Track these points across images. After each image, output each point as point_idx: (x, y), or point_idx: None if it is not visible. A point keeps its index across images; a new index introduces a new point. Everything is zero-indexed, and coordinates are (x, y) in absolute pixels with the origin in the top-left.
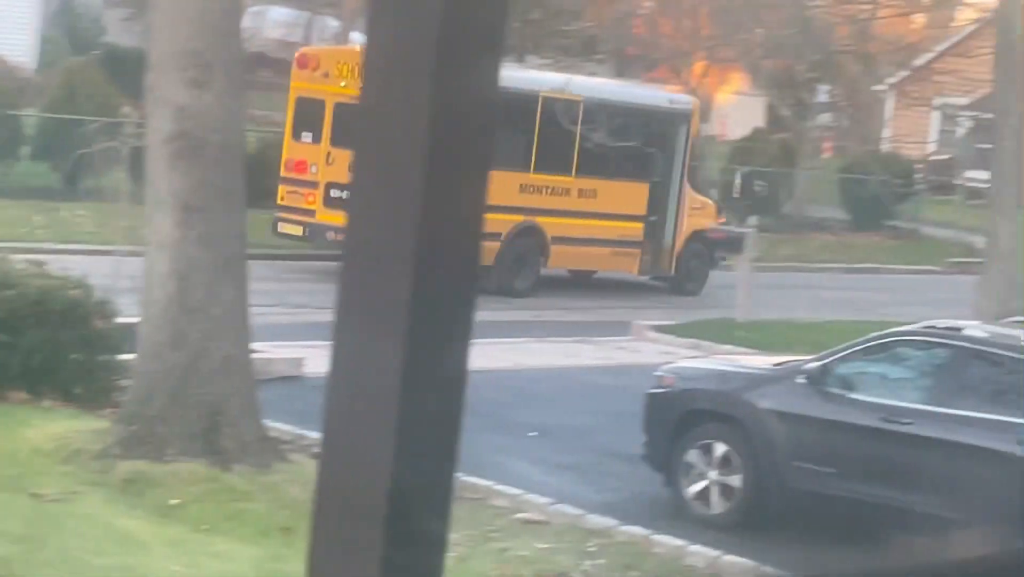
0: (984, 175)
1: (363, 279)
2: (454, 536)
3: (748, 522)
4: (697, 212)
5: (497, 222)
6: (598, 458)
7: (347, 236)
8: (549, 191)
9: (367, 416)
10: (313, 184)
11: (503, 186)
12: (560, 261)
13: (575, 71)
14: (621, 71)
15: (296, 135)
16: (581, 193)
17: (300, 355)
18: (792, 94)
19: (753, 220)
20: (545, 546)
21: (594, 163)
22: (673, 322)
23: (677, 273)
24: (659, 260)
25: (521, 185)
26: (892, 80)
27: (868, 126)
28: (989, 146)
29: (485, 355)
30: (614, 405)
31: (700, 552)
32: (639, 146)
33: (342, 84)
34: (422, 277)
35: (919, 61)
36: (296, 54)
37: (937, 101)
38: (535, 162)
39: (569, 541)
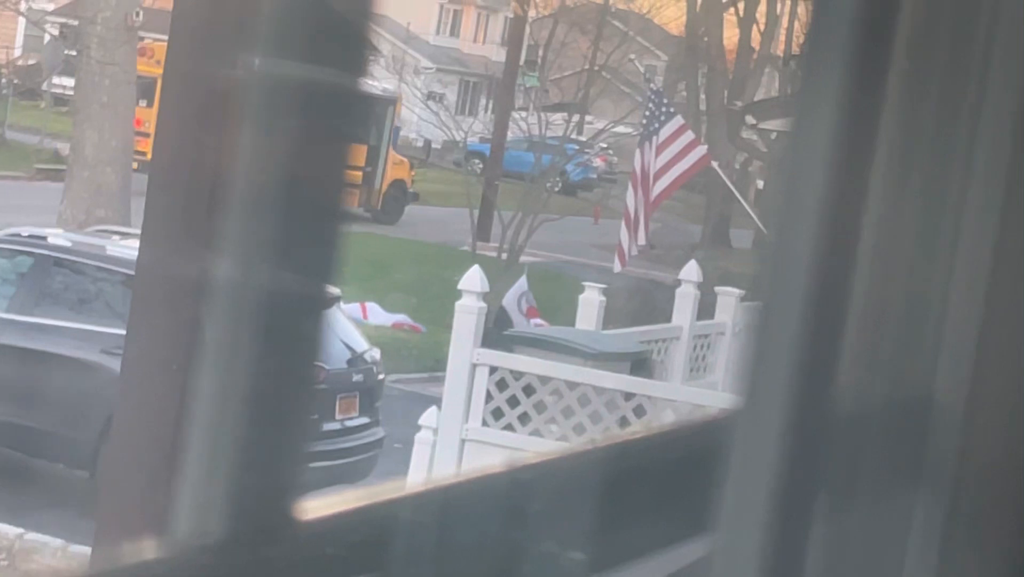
0: (70, 82)
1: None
2: None
3: None
4: (397, 166)
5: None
6: None
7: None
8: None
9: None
10: (147, 135)
11: None
12: None
13: None
14: None
15: (139, 102)
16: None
17: None
18: None
19: None
20: None
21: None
22: None
23: (381, 208)
24: (370, 198)
25: None
26: None
27: None
28: (75, 53)
29: None
30: None
31: None
32: (359, 119)
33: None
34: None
35: None
36: (138, 46)
37: (24, 6)
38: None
39: None
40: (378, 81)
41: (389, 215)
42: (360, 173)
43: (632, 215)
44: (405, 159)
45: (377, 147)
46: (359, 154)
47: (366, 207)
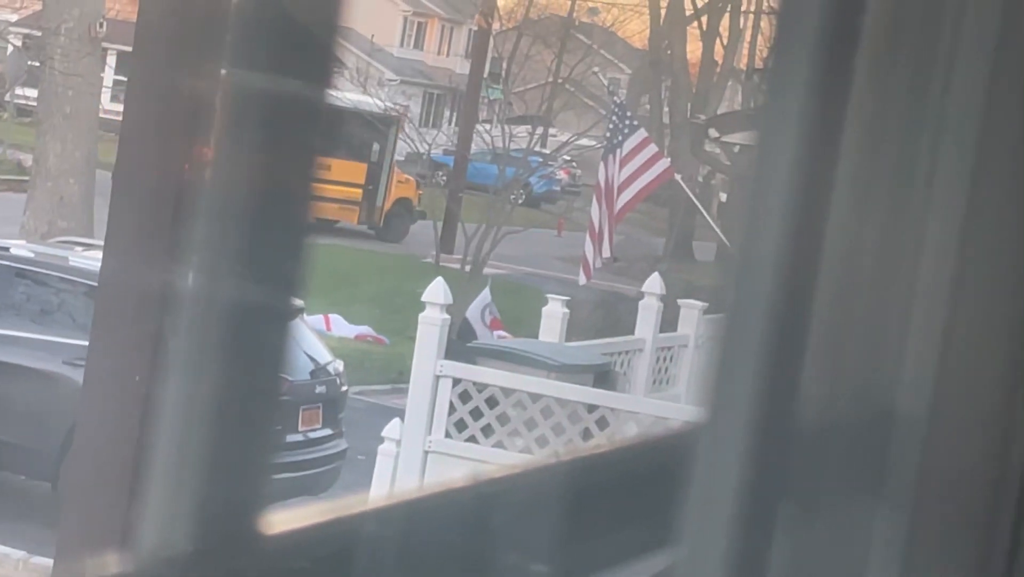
0: (34, 93)
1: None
2: None
3: None
4: (402, 185)
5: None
6: None
7: None
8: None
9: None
10: None
11: None
12: None
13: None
14: None
15: None
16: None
17: None
18: None
19: None
20: None
21: (331, 147)
22: None
23: (384, 225)
24: (371, 215)
25: None
26: None
27: None
28: (38, 64)
29: None
30: None
31: None
32: (362, 137)
33: None
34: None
35: None
36: None
37: None
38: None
39: None
40: (381, 100)
41: (394, 232)
42: (360, 190)
43: (596, 228)
44: (411, 178)
45: (379, 165)
46: (358, 172)
47: (368, 224)
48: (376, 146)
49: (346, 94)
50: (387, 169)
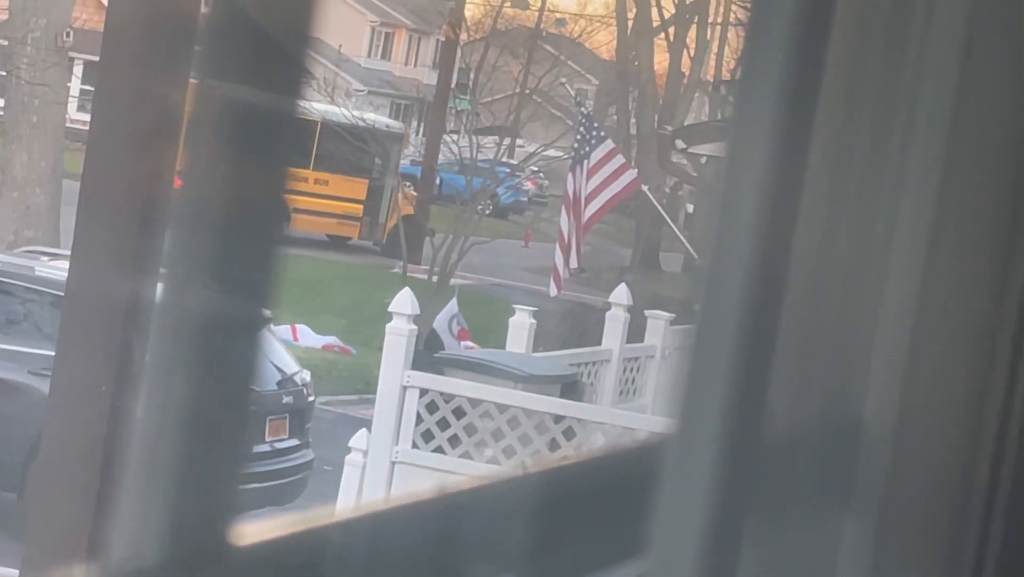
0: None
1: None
2: None
3: None
4: (407, 202)
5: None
6: None
7: None
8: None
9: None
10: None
11: None
12: (300, 225)
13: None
14: None
15: None
16: (316, 181)
17: None
18: None
19: None
20: None
21: (328, 162)
22: None
23: (387, 242)
24: (374, 231)
25: None
26: None
27: None
28: (4, 73)
29: None
30: None
31: None
32: (364, 153)
33: None
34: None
35: None
36: None
37: None
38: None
39: None
40: (387, 118)
41: (400, 249)
42: (360, 206)
43: (566, 238)
44: (414, 192)
45: (381, 181)
46: (359, 188)
47: (372, 240)
48: (378, 162)
49: (348, 110)
50: (390, 185)
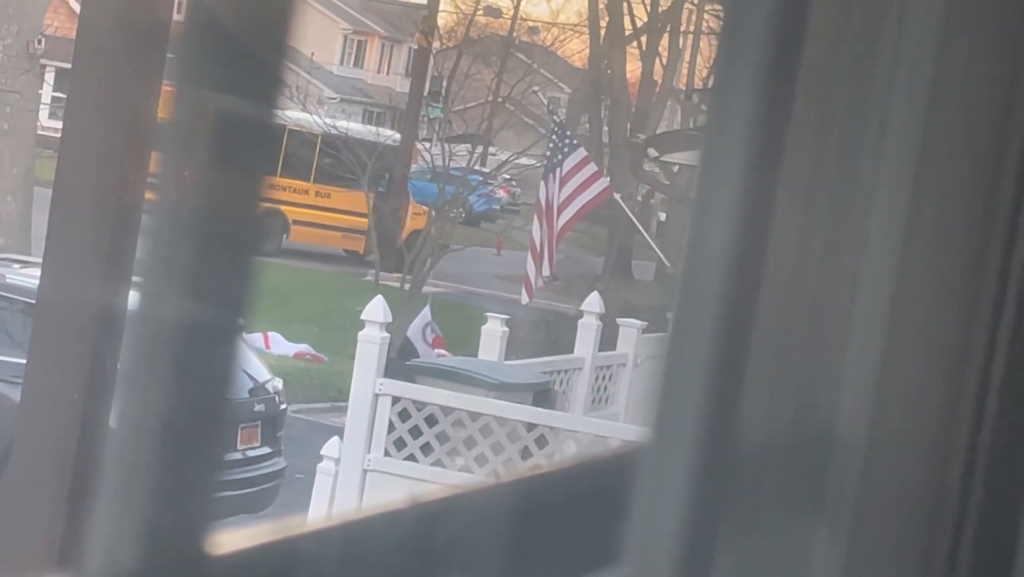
0: None
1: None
2: None
3: None
4: (418, 217)
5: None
6: None
7: None
8: (291, 190)
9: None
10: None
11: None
12: (301, 237)
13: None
14: None
15: None
16: (318, 194)
17: None
18: None
19: None
20: None
21: (330, 176)
22: None
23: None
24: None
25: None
26: None
27: None
28: None
29: None
30: None
31: None
32: (367, 167)
33: None
34: None
35: None
36: None
37: None
38: (280, 169)
39: None
40: (391, 132)
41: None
42: (366, 220)
43: (538, 246)
44: (428, 209)
45: (387, 195)
46: (361, 201)
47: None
48: (386, 176)
49: (353, 124)
50: (398, 199)
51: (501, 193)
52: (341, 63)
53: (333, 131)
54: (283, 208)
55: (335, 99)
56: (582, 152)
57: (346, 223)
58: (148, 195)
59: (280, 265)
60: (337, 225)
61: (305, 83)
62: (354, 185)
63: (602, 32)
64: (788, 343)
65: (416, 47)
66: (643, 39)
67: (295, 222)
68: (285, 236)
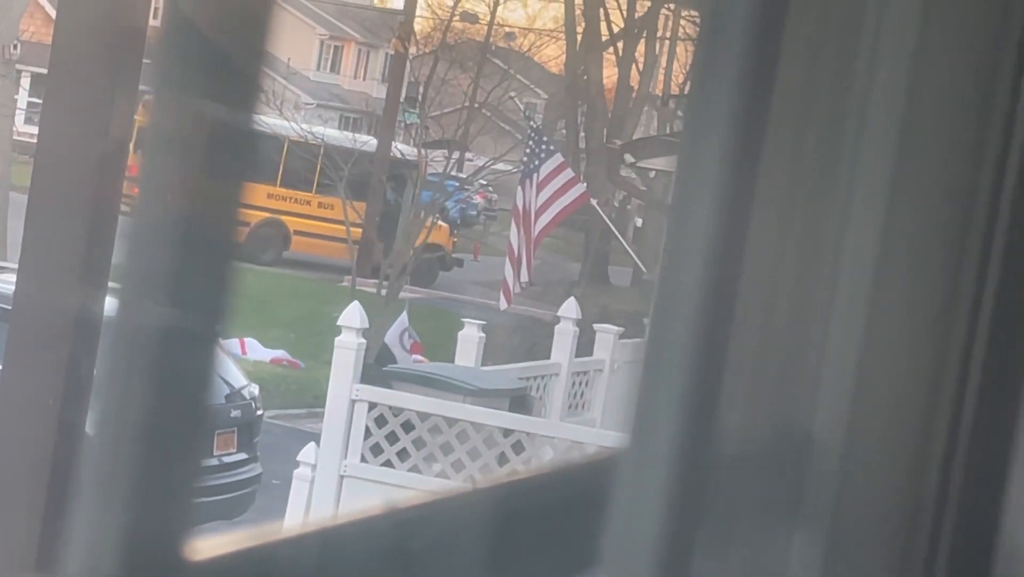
0: None
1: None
2: None
3: None
4: (434, 231)
5: (246, 215)
6: None
7: None
8: (293, 200)
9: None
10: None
11: (253, 192)
12: (303, 248)
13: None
14: None
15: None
16: (320, 205)
17: None
18: None
19: None
20: None
21: (334, 187)
22: None
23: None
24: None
25: (268, 193)
26: None
27: None
28: None
29: None
30: None
31: None
32: (376, 178)
33: None
34: None
35: None
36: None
37: None
38: (281, 179)
39: None
40: (403, 147)
41: (424, 278)
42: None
43: (516, 252)
44: (444, 224)
45: (395, 208)
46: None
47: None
48: (392, 190)
49: (360, 135)
50: (406, 214)
51: (478, 199)
52: (318, 68)
53: (336, 143)
54: (283, 218)
55: (312, 105)
56: (559, 158)
57: (352, 235)
58: (125, 201)
59: (257, 271)
60: (342, 237)
61: (282, 89)
62: (363, 196)
63: (579, 38)
64: (765, 349)
65: (392, 52)
66: (620, 45)
67: (296, 232)
68: (285, 244)
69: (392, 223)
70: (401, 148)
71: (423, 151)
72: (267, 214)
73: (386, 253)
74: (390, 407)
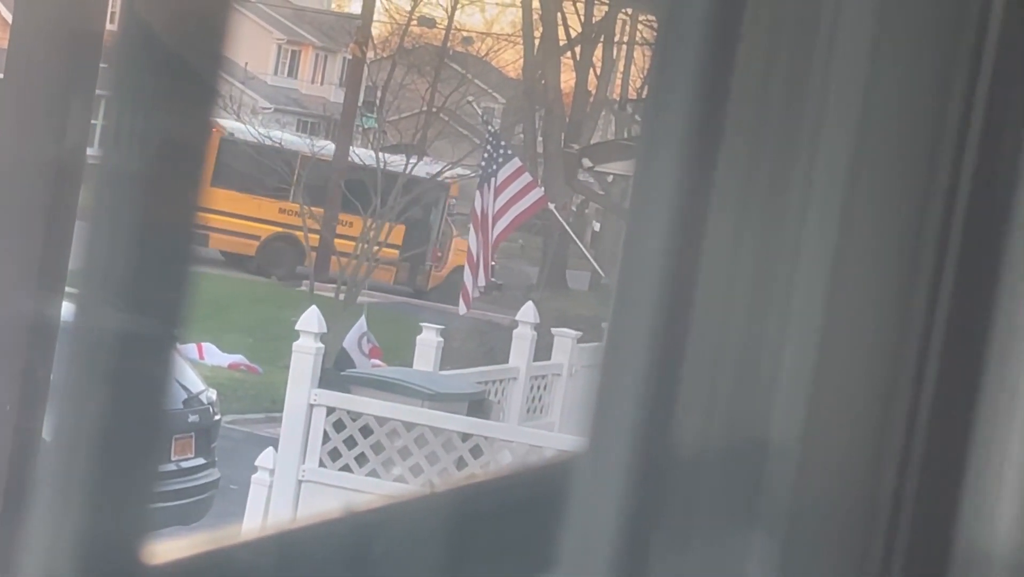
0: None
1: None
2: None
3: None
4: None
5: (258, 229)
6: None
7: None
8: (309, 215)
9: None
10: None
11: (261, 206)
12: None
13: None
14: None
15: None
16: (341, 222)
17: None
18: None
19: None
20: None
21: (350, 205)
22: None
23: (430, 290)
24: (415, 277)
25: (280, 208)
26: None
27: None
28: None
29: None
30: None
31: None
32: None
33: None
34: None
35: None
36: None
37: None
38: (293, 195)
39: None
40: (430, 163)
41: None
42: (395, 251)
43: (474, 256)
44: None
45: (425, 228)
46: (395, 233)
47: (412, 287)
48: (422, 210)
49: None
50: (436, 233)
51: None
52: (275, 73)
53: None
54: (298, 233)
55: (269, 109)
56: (517, 162)
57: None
58: (82, 205)
59: (214, 275)
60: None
61: (239, 93)
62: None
63: (536, 42)
64: (722, 352)
65: (350, 57)
66: (577, 49)
67: (313, 248)
68: (300, 260)
69: (423, 243)
70: (429, 167)
71: (381, 156)
72: (279, 228)
73: (413, 273)
74: (348, 412)
